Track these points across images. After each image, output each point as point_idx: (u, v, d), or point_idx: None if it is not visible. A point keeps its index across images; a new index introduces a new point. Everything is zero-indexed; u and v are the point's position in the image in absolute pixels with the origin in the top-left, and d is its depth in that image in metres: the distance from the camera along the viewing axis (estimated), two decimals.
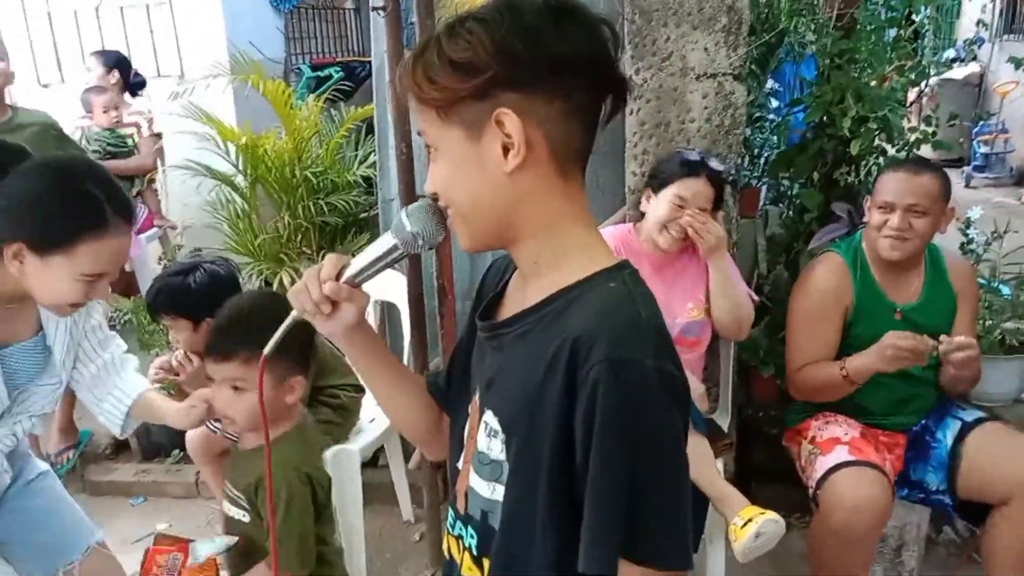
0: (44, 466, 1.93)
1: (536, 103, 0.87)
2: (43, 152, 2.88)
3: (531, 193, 0.91)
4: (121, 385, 1.87)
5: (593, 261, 0.93)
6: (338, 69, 5.23)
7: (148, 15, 4.73)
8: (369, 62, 3.49)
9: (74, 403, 3.19)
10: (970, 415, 2.20)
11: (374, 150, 3.47)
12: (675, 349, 0.89)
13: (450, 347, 2.41)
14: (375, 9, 2.52)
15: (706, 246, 2.19)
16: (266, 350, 1.05)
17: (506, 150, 0.88)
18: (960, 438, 2.15)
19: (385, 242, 0.99)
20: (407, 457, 2.83)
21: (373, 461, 2.89)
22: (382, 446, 2.74)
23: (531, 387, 0.89)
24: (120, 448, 3.36)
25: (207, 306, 1.96)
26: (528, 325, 0.94)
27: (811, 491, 2.13)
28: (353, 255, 1.01)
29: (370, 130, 3.69)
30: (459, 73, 0.87)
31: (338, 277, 1.00)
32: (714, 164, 2.25)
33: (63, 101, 4.23)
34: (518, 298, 0.99)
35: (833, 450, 2.12)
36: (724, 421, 2.50)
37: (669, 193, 2.20)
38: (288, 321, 1.03)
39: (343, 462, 2.34)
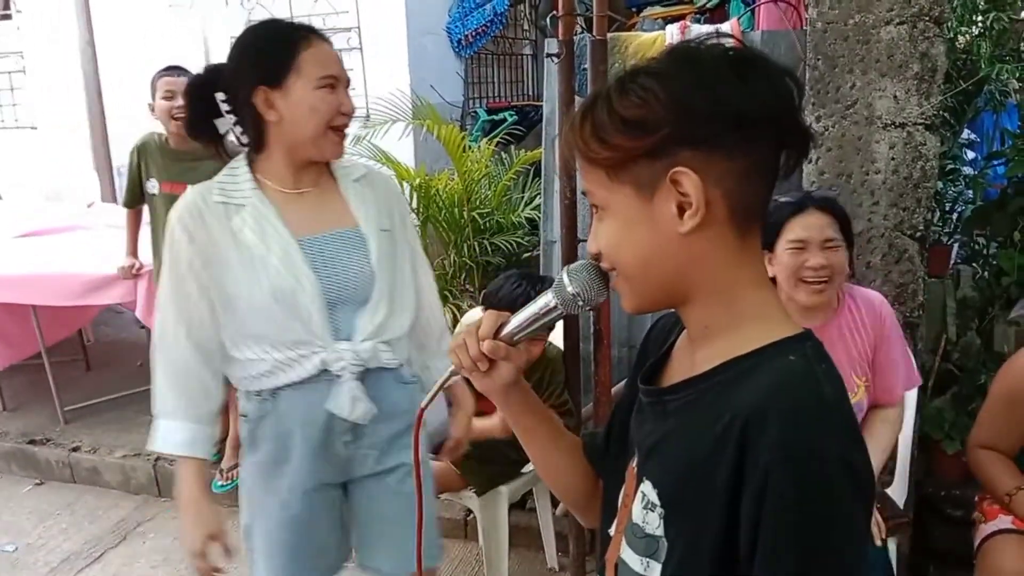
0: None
1: (715, 160, 0.81)
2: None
3: (706, 255, 0.84)
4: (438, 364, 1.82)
5: (771, 329, 0.85)
6: (512, 113, 5.37)
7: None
8: (542, 106, 3.55)
9: None
10: None
11: (539, 193, 3.51)
12: (860, 432, 0.80)
13: (604, 395, 2.37)
14: (549, 56, 2.57)
15: None
16: (423, 404, 1.05)
17: (682, 209, 0.82)
18: None
19: (544, 301, 0.96)
20: (556, 502, 2.80)
21: (521, 503, 2.88)
22: (531, 489, 2.73)
23: (696, 463, 0.82)
24: None
25: None
26: (696, 394, 0.87)
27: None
28: (512, 311, 0.98)
29: (537, 173, 3.74)
30: (632, 131, 0.82)
31: (496, 334, 0.97)
32: (818, 194, 2.02)
33: None
34: (686, 363, 0.92)
35: (996, 517, 2.01)
36: (900, 497, 2.29)
37: (784, 242, 1.91)
38: (445, 376, 1.02)
39: (491, 503, 2.34)
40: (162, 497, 3.53)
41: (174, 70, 3.04)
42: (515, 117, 5.34)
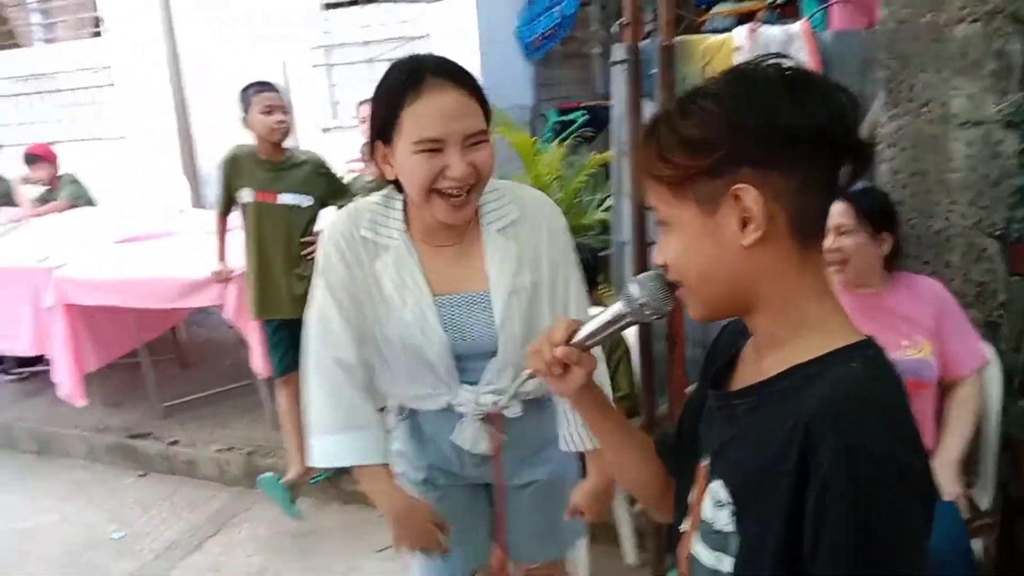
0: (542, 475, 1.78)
1: (773, 177, 0.85)
2: (311, 188, 3.29)
3: (768, 266, 0.88)
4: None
5: (833, 337, 0.88)
6: (583, 113, 5.41)
7: None
8: (612, 105, 3.58)
9: None
10: None
11: (611, 195, 3.54)
12: (920, 437, 0.84)
13: (677, 396, 2.41)
14: (615, 63, 2.61)
15: None
16: (501, 402, 1.13)
17: (744, 224, 0.86)
18: None
19: (614, 309, 1.02)
20: (633, 500, 2.84)
21: None
22: None
23: (763, 465, 0.87)
24: None
25: None
26: (762, 399, 0.91)
27: None
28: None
29: (608, 175, 3.78)
30: (693, 151, 0.86)
31: (569, 340, 1.04)
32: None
33: (339, 145, 4.74)
34: (752, 369, 0.96)
35: None
36: (984, 497, 2.26)
37: None
38: (523, 378, 1.11)
39: None
40: (254, 490, 3.72)
41: (266, 86, 3.22)
42: (586, 116, 5.37)
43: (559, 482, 1.77)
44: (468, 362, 1.59)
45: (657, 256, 0.96)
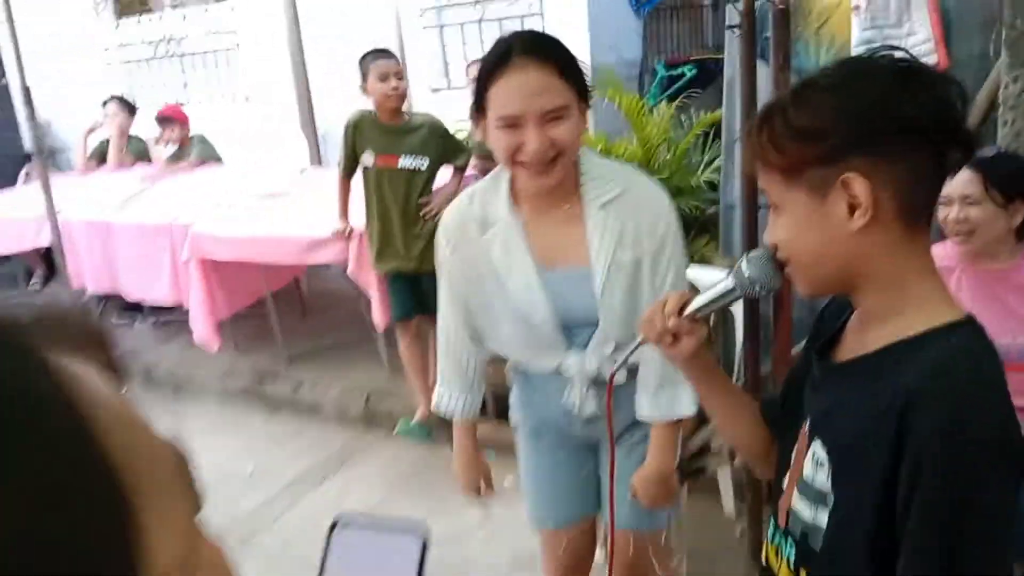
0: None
1: (883, 165, 0.89)
2: (428, 150, 3.46)
3: (875, 249, 0.93)
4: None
5: (936, 314, 0.93)
6: (692, 67, 5.34)
7: (522, 26, 5.25)
8: (721, 59, 3.55)
9: None
10: None
11: (719, 155, 3.54)
12: (1015, 413, 0.88)
13: (781, 359, 2.46)
14: (730, 27, 2.61)
15: None
16: (613, 369, 1.24)
17: (852, 209, 0.90)
18: None
19: (724, 284, 1.10)
20: (732, 454, 2.90)
21: (699, 454, 3.01)
22: (708, 441, 2.85)
23: (861, 431, 0.93)
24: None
25: None
26: (864, 371, 0.96)
27: None
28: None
29: (718, 134, 3.76)
30: (805, 140, 0.91)
31: (681, 311, 1.12)
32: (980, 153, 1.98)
33: (450, 104, 4.86)
34: (857, 341, 1.01)
35: None
36: None
37: None
38: (635, 345, 1.20)
39: None
40: (371, 431, 3.98)
41: (382, 53, 3.39)
42: (694, 71, 5.30)
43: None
44: (574, 329, 1.69)
45: (768, 235, 1.03)
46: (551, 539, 2.00)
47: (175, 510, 0.38)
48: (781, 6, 2.42)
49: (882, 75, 0.91)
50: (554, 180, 1.56)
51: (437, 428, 3.69)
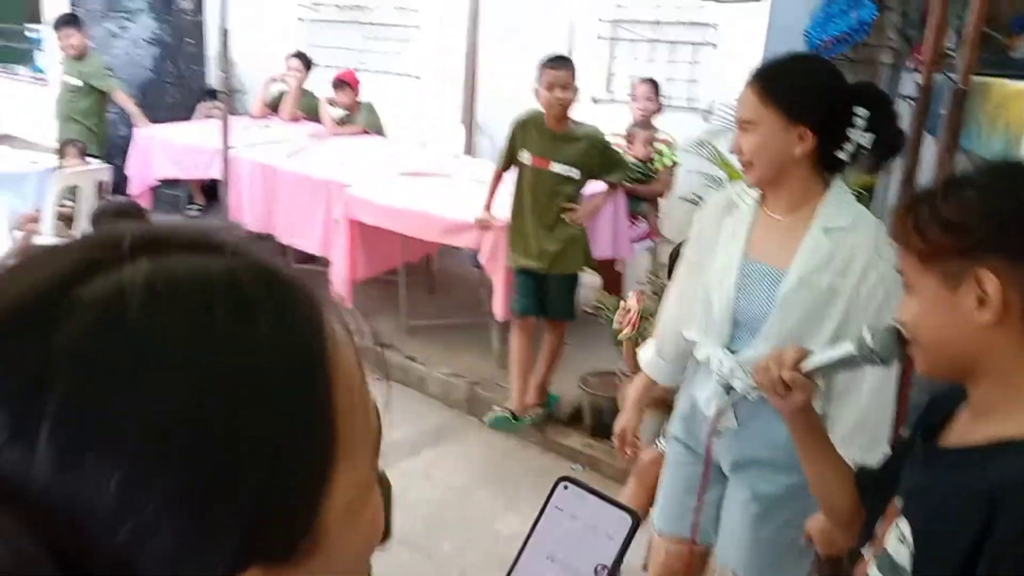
0: None
1: (1017, 267, 0.93)
2: (582, 163, 3.58)
3: (997, 345, 0.96)
4: None
5: None
6: None
7: (693, 53, 5.29)
8: None
9: (552, 366, 3.84)
10: None
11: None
12: None
13: (892, 431, 2.42)
14: (904, 98, 2.58)
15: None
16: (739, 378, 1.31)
17: (981, 303, 0.94)
18: None
19: (844, 349, 1.15)
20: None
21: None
22: None
23: (949, 519, 0.96)
24: (575, 420, 3.92)
25: None
26: (965, 462, 1.00)
27: None
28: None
29: (871, 196, 3.70)
30: (948, 231, 0.96)
31: (796, 366, 1.18)
32: None
33: (608, 116, 4.93)
34: (964, 430, 1.05)
35: None
36: None
37: None
38: (749, 380, 1.27)
39: None
40: (470, 415, 4.13)
41: (558, 63, 3.53)
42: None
43: (787, 502, 1.77)
44: (741, 329, 1.79)
45: (899, 312, 1.08)
46: (656, 545, 2.10)
47: (362, 462, 0.43)
48: (963, 87, 2.40)
49: None
50: (752, 179, 1.78)
51: (527, 427, 3.82)
